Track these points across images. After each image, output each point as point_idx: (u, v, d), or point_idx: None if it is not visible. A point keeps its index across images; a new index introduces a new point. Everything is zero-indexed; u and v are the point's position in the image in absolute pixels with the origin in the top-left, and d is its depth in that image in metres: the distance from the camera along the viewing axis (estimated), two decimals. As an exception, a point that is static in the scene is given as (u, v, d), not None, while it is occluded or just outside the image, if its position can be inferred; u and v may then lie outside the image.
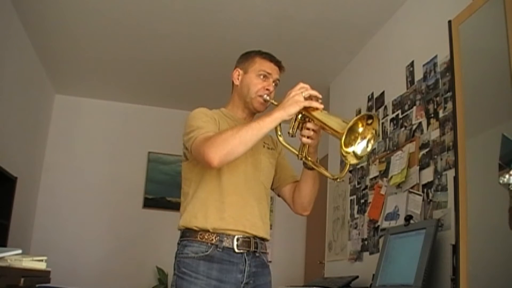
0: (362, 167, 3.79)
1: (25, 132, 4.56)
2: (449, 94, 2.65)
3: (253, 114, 1.92)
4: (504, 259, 1.87)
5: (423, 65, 3.00)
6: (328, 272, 4.20)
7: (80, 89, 5.34)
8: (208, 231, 1.72)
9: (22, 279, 2.22)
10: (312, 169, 1.79)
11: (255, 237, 1.78)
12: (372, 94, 3.76)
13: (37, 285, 2.59)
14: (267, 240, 1.87)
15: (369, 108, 3.79)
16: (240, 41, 4.03)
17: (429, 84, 2.92)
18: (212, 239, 1.71)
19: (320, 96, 1.65)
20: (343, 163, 4.01)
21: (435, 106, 2.82)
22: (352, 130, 1.50)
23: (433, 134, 2.80)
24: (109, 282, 5.01)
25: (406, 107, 3.18)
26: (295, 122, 1.68)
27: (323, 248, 4.46)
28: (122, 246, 5.22)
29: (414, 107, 3.07)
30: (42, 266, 2.56)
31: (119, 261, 5.16)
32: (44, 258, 2.58)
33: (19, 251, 2.36)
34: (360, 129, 1.52)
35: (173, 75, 4.79)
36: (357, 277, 3.31)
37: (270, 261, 1.94)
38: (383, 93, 3.58)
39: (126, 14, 3.73)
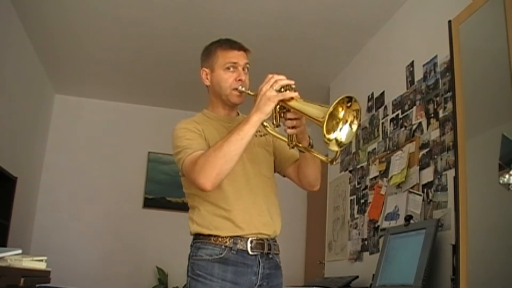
0: (362, 167, 3.79)
1: (25, 132, 4.56)
2: (449, 94, 2.65)
3: (234, 107, 1.88)
4: (504, 259, 1.87)
5: (423, 65, 3.00)
6: (328, 272, 4.20)
7: (80, 89, 5.34)
8: (221, 236, 1.71)
9: (22, 279, 2.22)
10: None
11: (268, 238, 1.77)
12: (372, 94, 3.76)
13: (37, 285, 2.59)
14: (277, 235, 1.83)
15: (369, 108, 3.79)
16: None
17: (429, 84, 2.92)
18: (226, 242, 1.70)
19: (292, 82, 1.58)
20: (343, 162, 3.99)
21: (435, 106, 2.82)
22: (333, 116, 1.45)
23: (433, 134, 2.80)
24: (109, 282, 5.01)
25: (406, 107, 3.18)
26: (275, 113, 1.63)
27: (323, 248, 4.46)
28: (122, 246, 5.21)
29: (414, 107, 3.07)
30: (42, 266, 2.56)
31: (119, 261, 5.15)
32: (44, 258, 2.59)
33: (19, 251, 2.36)
34: (341, 114, 1.47)
35: (173, 75, 4.79)
36: (357, 277, 3.31)
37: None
38: (383, 93, 3.58)
39: (126, 14, 3.73)
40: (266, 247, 1.75)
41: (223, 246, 1.70)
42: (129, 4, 3.60)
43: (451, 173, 2.54)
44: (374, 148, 3.61)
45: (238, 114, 1.91)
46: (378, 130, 3.59)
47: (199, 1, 3.52)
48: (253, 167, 1.79)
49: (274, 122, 1.65)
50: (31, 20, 3.90)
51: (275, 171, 1.94)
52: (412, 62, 3.16)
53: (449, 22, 2.32)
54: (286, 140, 1.70)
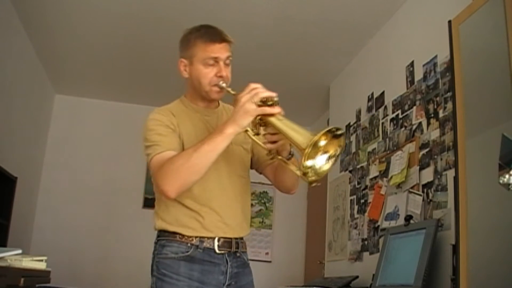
0: (362, 167, 3.79)
1: (25, 132, 4.56)
2: (449, 94, 2.65)
3: (213, 101, 1.77)
4: (504, 259, 1.87)
5: (423, 65, 3.00)
6: (328, 272, 4.20)
7: (80, 89, 5.34)
8: (187, 235, 1.64)
9: (22, 279, 2.21)
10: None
11: (236, 237, 1.70)
12: (372, 94, 3.76)
13: (37, 285, 2.59)
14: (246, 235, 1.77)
15: (369, 108, 3.79)
16: (240, 42, 4.01)
17: (429, 84, 2.92)
18: (192, 240, 1.63)
19: (274, 95, 1.48)
20: (343, 162, 3.98)
21: (435, 106, 2.82)
22: (315, 144, 1.34)
23: (433, 134, 2.80)
24: (109, 282, 5.00)
25: (406, 107, 3.18)
26: (254, 123, 1.53)
27: (323, 248, 4.46)
28: (122, 246, 5.22)
29: (414, 107, 3.07)
30: (42, 266, 2.56)
31: (119, 261, 5.15)
32: (44, 258, 2.58)
33: (19, 251, 2.36)
34: (322, 142, 1.36)
35: (174, 75, 4.77)
36: (357, 277, 3.31)
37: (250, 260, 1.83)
38: (383, 93, 3.58)
39: (126, 14, 3.73)
40: (234, 246, 1.68)
41: (189, 244, 1.62)
42: (129, 4, 3.60)
43: (451, 173, 2.54)
44: (374, 148, 3.61)
45: (219, 104, 1.81)
46: (378, 130, 3.59)
47: (199, 2, 3.53)
48: (227, 166, 1.68)
49: (253, 130, 1.56)
50: (31, 20, 3.90)
51: (251, 168, 1.84)
52: (412, 62, 3.16)
53: (449, 22, 2.32)
54: (266, 147, 1.58)
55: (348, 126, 4.20)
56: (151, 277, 1.68)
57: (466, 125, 2.16)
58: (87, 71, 4.90)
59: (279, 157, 1.59)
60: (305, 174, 1.38)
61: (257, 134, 1.57)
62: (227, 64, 1.69)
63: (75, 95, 5.47)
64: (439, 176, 2.68)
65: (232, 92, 1.62)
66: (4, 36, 3.67)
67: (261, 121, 1.53)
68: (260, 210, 5.63)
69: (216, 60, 1.65)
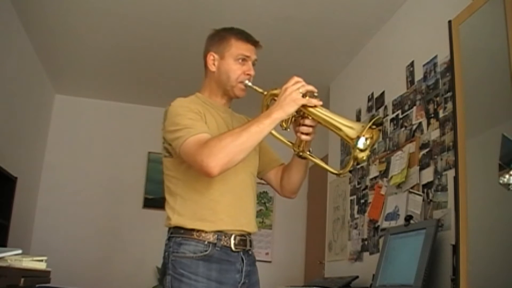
0: (362, 167, 3.79)
1: (25, 132, 4.56)
2: (449, 94, 2.65)
3: (231, 99, 1.84)
4: (504, 259, 1.87)
5: (423, 65, 3.00)
6: (328, 272, 4.20)
7: (80, 89, 5.34)
8: (204, 230, 1.64)
9: (22, 279, 2.22)
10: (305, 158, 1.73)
11: (249, 234, 1.74)
12: (372, 94, 3.76)
13: (37, 285, 2.59)
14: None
15: (369, 108, 3.79)
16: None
17: (429, 84, 2.92)
18: (210, 238, 1.63)
19: (315, 90, 1.58)
20: (343, 162, 4.01)
21: (435, 106, 2.82)
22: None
23: (433, 134, 2.80)
24: (109, 282, 5.00)
25: (406, 107, 3.18)
26: (291, 117, 1.62)
27: (323, 248, 4.46)
28: (122, 246, 5.22)
29: (414, 107, 3.07)
30: (42, 266, 2.56)
31: (119, 261, 5.16)
32: (44, 258, 2.59)
33: (19, 251, 2.36)
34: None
35: (174, 75, 4.79)
36: (357, 277, 3.31)
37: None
38: (383, 93, 3.58)
39: (126, 14, 3.73)
40: (248, 243, 1.72)
41: (206, 242, 1.62)
42: (129, 4, 3.60)
43: (451, 173, 2.54)
44: (374, 148, 3.61)
45: (229, 107, 1.87)
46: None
47: (200, 2, 3.53)
48: (242, 162, 1.67)
49: (285, 125, 1.64)
50: (31, 20, 3.90)
51: None
52: (412, 62, 3.16)
53: (449, 22, 2.32)
54: (291, 145, 1.68)
55: (348, 126, 4.19)
56: (162, 275, 1.67)
57: (466, 125, 2.16)
58: (87, 71, 4.90)
59: (308, 152, 1.68)
60: (355, 156, 1.50)
61: (285, 129, 1.66)
62: (253, 65, 1.78)
63: (75, 95, 5.47)
64: (439, 176, 2.68)
65: (259, 90, 1.71)
66: (4, 36, 3.67)
67: (297, 115, 1.62)
68: (260, 210, 5.63)
69: (246, 59, 1.75)
